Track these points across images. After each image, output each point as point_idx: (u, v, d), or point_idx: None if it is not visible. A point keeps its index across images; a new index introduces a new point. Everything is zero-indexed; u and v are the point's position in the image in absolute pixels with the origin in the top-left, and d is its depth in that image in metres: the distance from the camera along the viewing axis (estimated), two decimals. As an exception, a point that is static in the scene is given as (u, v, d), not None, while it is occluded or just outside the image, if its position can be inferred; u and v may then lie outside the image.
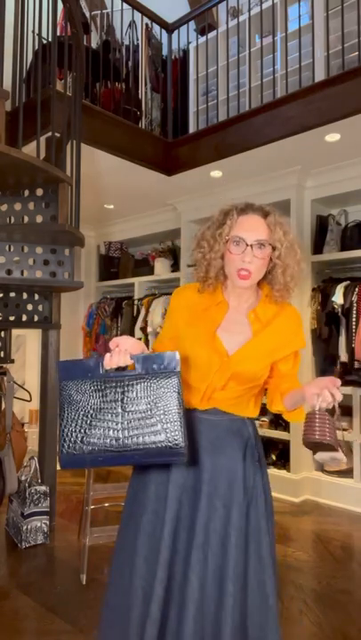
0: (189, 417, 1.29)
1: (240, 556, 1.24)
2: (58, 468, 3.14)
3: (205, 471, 1.28)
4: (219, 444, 1.30)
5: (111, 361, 1.18)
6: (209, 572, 1.23)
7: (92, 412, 1.18)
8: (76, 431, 1.17)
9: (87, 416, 1.18)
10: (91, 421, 1.17)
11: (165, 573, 1.24)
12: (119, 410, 1.18)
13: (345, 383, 3.37)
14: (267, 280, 1.32)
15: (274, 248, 1.27)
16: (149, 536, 1.28)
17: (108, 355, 1.19)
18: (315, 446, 1.20)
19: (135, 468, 1.39)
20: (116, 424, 1.17)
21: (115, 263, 5.14)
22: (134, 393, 1.18)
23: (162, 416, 1.18)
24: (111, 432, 1.17)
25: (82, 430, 1.17)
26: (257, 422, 1.33)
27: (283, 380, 1.35)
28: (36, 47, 2.78)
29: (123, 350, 1.18)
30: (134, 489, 1.37)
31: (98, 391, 1.19)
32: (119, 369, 1.20)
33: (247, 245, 1.23)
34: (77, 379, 1.20)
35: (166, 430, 1.17)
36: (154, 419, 1.17)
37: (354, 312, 3.25)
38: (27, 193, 2.78)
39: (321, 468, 3.60)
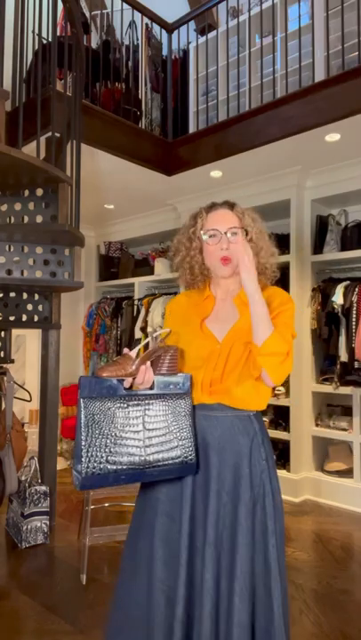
0: (195, 414, 1.31)
1: (247, 554, 1.24)
2: (58, 467, 3.14)
3: (213, 467, 1.29)
4: (224, 440, 1.31)
5: (144, 378, 1.23)
6: (222, 571, 1.24)
7: (116, 430, 1.18)
8: (101, 451, 1.16)
9: (112, 435, 1.18)
10: (115, 440, 1.18)
11: (187, 574, 1.25)
12: (141, 427, 1.21)
13: (345, 383, 3.38)
14: None
15: (246, 234, 1.35)
16: (165, 539, 1.29)
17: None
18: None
19: None
20: (139, 441, 1.20)
21: (115, 263, 5.14)
22: (154, 411, 1.23)
23: (177, 433, 1.25)
24: (134, 449, 1.19)
25: (107, 449, 1.16)
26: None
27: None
28: (36, 47, 2.78)
29: (149, 367, 1.24)
30: (145, 493, 1.38)
31: (122, 409, 1.20)
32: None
33: (222, 234, 1.32)
34: (102, 397, 1.19)
35: (181, 447, 1.24)
36: (171, 435, 1.24)
37: (354, 312, 3.25)
38: (27, 193, 2.78)
39: (321, 468, 3.60)
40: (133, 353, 1.25)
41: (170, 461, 1.22)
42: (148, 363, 1.25)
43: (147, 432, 1.21)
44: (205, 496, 1.28)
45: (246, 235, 1.34)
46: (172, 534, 1.28)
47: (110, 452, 1.17)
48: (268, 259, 1.38)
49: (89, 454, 1.14)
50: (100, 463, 1.15)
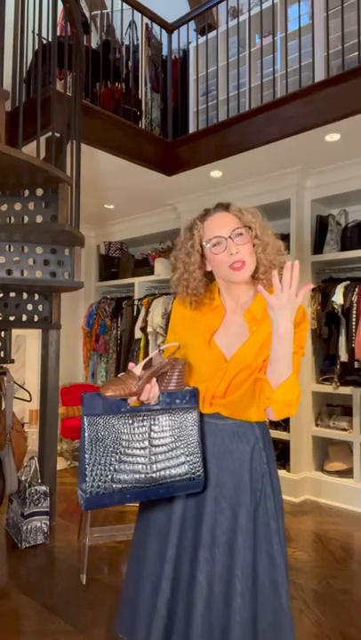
0: None
1: (248, 556, 1.23)
2: (58, 467, 3.14)
3: (211, 474, 1.28)
4: (224, 447, 1.29)
5: (148, 395, 1.19)
6: (216, 572, 1.23)
7: (121, 447, 1.14)
8: (105, 469, 1.12)
9: (117, 452, 1.14)
10: (120, 457, 1.14)
11: (172, 570, 1.25)
12: (147, 443, 1.18)
13: (345, 383, 3.38)
14: (254, 274, 1.29)
15: (250, 230, 1.26)
16: (158, 532, 1.31)
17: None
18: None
19: None
20: (145, 458, 1.17)
21: (115, 263, 5.14)
22: (160, 426, 1.20)
23: (185, 448, 1.21)
24: (140, 467, 1.16)
25: (112, 467, 1.13)
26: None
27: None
28: (36, 47, 2.78)
29: (154, 384, 1.20)
30: None
31: (127, 425, 1.16)
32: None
33: (226, 239, 1.22)
34: (106, 413, 1.15)
35: (189, 462, 1.21)
36: (178, 451, 1.21)
37: (354, 312, 3.25)
38: (27, 193, 2.78)
39: (321, 468, 3.60)
40: (138, 369, 1.21)
41: (177, 478, 1.19)
42: (154, 380, 1.21)
43: (153, 448, 1.18)
44: (201, 502, 1.27)
45: (250, 231, 1.25)
46: (164, 529, 1.30)
47: (115, 469, 1.14)
48: (275, 255, 1.26)
49: (93, 473, 1.11)
50: (105, 482, 1.12)
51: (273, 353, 1.16)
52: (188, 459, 1.21)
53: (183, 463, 1.20)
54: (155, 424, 1.20)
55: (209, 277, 1.34)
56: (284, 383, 1.16)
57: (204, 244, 1.26)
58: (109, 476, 1.13)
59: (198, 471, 1.22)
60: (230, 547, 1.24)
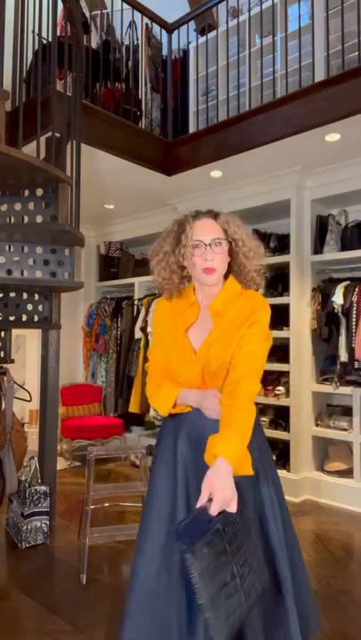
0: (188, 413, 1.36)
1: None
2: (58, 467, 3.14)
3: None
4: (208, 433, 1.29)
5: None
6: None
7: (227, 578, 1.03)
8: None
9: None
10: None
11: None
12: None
13: (345, 383, 3.38)
14: (234, 273, 1.43)
15: (231, 243, 1.40)
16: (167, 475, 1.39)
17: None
18: None
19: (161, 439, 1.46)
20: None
21: (115, 263, 5.14)
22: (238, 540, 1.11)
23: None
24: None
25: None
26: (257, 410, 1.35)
27: (234, 357, 1.33)
28: (36, 47, 2.78)
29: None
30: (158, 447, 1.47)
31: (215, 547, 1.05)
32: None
33: (206, 245, 1.35)
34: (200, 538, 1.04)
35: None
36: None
37: (354, 312, 3.25)
38: (27, 193, 2.78)
39: (321, 468, 3.60)
40: None
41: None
42: None
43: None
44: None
45: (231, 244, 1.39)
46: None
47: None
48: (257, 261, 1.41)
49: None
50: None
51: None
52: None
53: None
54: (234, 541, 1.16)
55: (183, 272, 1.44)
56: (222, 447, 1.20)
57: (188, 242, 1.37)
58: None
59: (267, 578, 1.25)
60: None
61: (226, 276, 1.44)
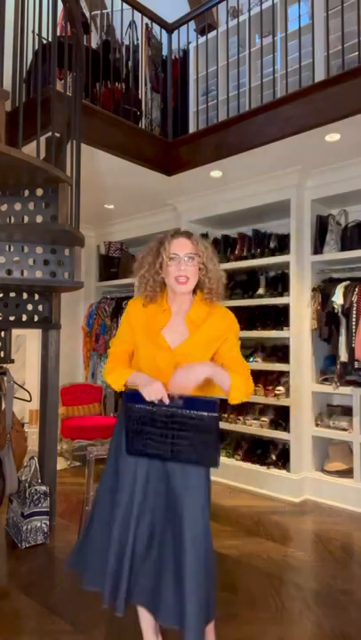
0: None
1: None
2: (58, 467, 3.14)
3: None
4: None
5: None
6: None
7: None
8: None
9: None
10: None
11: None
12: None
13: (345, 383, 3.38)
14: (198, 287, 1.69)
15: (198, 257, 1.65)
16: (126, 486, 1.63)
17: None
18: None
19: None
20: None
21: (115, 263, 5.14)
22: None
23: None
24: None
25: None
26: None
27: (223, 360, 1.64)
28: (36, 47, 2.78)
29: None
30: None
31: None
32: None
33: (180, 257, 1.61)
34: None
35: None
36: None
37: (354, 312, 3.25)
38: (27, 193, 2.78)
39: (321, 468, 3.60)
40: None
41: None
42: None
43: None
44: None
45: (199, 257, 1.65)
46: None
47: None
48: (216, 280, 1.67)
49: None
50: None
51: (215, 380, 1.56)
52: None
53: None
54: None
55: (163, 284, 1.69)
56: (230, 388, 1.54)
57: (165, 256, 1.63)
58: None
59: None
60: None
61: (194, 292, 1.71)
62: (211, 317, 1.66)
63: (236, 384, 1.54)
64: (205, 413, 1.49)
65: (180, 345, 1.62)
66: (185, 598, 1.43)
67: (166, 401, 1.52)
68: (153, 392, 1.51)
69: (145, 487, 1.59)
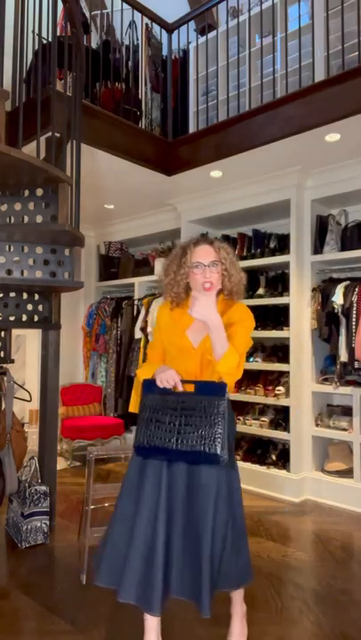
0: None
1: None
2: (58, 467, 3.14)
3: None
4: None
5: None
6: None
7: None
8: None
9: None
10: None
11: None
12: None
13: (345, 383, 3.38)
14: (221, 289, 1.79)
15: (222, 264, 1.76)
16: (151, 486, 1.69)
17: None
18: None
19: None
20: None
21: (115, 263, 5.14)
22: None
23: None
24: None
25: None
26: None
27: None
28: (36, 47, 2.78)
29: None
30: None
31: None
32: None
33: (205, 266, 1.72)
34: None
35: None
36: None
37: (354, 312, 3.25)
38: (27, 193, 2.78)
39: (321, 468, 3.60)
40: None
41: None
42: None
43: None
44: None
45: (222, 264, 1.75)
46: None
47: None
48: (237, 283, 1.79)
49: None
50: None
51: (211, 339, 1.62)
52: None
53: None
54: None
55: (188, 288, 1.81)
56: (223, 356, 1.60)
57: (190, 264, 1.74)
58: None
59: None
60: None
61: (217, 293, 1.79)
62: (228, 310, 1.76)
63: (230, 355, 1.60)
64: (215, 397, 1.57)
65: (202, 341, 1.73)
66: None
67: (180, 387, 1.62)
68: (166, 377, 1.63)
69: (168, 489, 1.64)
